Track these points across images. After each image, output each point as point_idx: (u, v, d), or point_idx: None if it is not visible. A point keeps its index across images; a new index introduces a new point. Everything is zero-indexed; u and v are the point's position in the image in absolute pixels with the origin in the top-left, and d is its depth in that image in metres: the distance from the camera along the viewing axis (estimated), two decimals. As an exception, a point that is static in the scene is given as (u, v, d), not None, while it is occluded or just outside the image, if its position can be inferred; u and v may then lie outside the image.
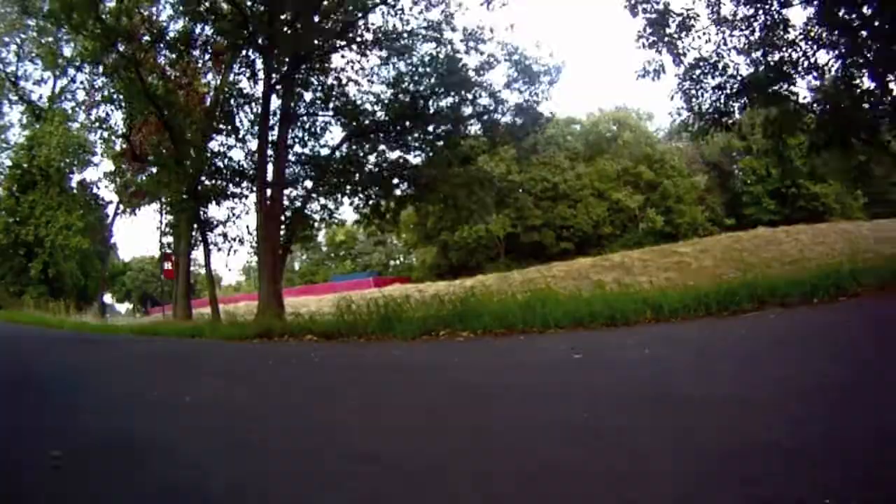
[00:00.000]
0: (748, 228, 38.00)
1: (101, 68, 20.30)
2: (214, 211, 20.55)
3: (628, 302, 8.49)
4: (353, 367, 7.59)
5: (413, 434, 3.88)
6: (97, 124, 25.98)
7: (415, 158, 20.33)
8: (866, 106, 16.44)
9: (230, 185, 20.42)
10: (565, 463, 2.97)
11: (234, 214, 20.84)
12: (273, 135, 18.52)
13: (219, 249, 20.99)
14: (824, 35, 16.13)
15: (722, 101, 17.03)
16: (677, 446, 3.05)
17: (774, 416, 3.37)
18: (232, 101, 20.53)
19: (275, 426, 4.48)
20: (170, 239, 25.88)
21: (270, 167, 18.45)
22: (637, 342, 6.60)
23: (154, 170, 22.50)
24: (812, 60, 16.40)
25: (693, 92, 17.20)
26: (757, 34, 16.35)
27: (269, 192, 17.98)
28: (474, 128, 19.84)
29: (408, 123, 18.94)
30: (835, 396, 3.66)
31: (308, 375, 7.21)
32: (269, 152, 18.54)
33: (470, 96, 18.68)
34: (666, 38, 16.65)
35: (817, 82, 16.98)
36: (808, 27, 16.16)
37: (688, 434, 3.21)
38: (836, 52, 16.24)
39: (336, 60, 19.95)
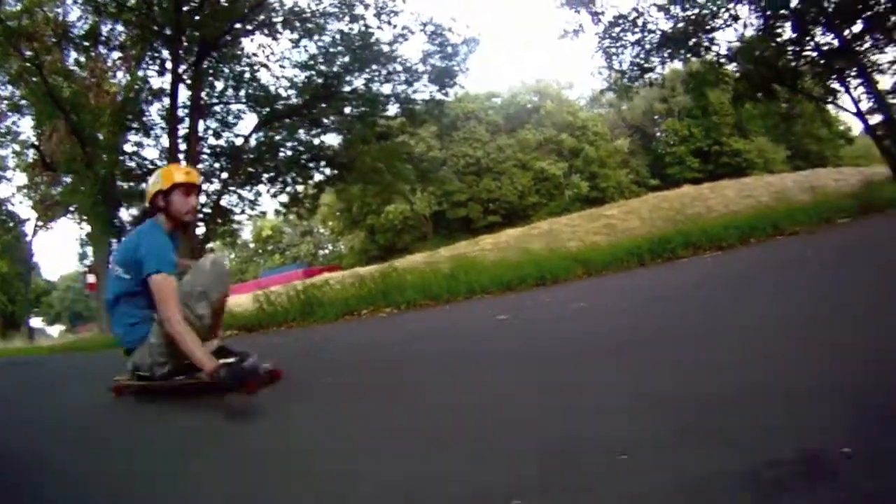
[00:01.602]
0: (673, 188, 38.36)
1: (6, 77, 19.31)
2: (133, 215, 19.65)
3: (558, 261, 8.20)
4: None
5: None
6: (7, 137, 24.71)
7: (333, 140, 19.96)
8: (789, 55, 16.71)
9: (142, 185, 19.47)
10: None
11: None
12: (185, 128, 17.70)
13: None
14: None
15: (642, 56, 17.15)
16: (602, 400, 2.49)
17: (710, 357, 2.86)
18: (141, 97, 19.55)
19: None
20: (90, 250, 24.71)
21: (184, 163, 17.55)
22: (568, 298, 6.20)
23: (68, 179, 21.41)
24: (732, 13, 16.58)
25: (613, 50, 17.33)
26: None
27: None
28: (392, 108, 19.44)
29: (323, 105, 18.42)
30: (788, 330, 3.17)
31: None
32: (183, 147, 17.61)
33: (384, 71, 18.27)
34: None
35: (737, 34, 17.20)
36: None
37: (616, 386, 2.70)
38: (757, 4, 16.41)
39: (247, 47, 19.25)
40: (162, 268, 3.67)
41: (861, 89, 16.27)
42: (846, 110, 17.41)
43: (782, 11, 16.19)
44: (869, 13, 15.38)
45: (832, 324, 3.03)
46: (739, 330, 3.30)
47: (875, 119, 16.50)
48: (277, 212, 21.35)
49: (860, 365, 2.25)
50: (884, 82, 16.67)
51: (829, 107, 19.39)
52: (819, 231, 7.79)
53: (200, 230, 18.07)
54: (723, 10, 16.54)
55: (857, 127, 25.44)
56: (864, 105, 16.45)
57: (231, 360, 3.76)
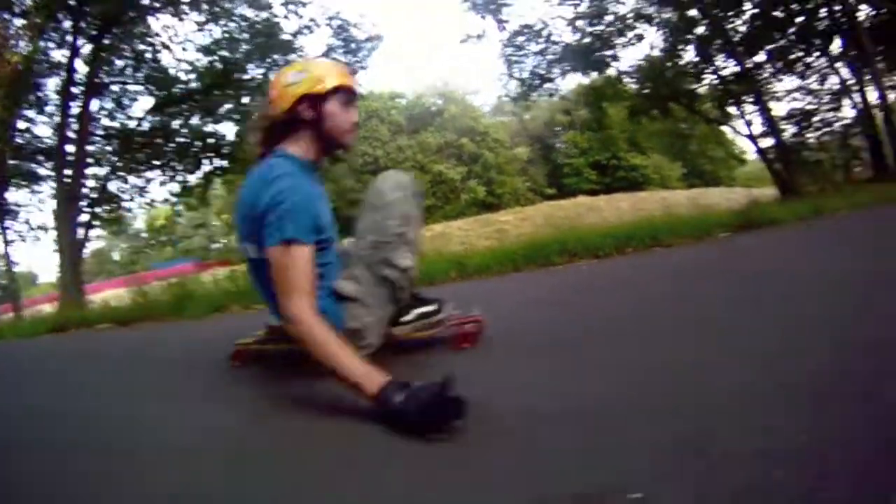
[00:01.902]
0: (569, 197, 39.04)
1: None
2: (22, 196, 18.66)
3: (434, 264, 8.13)
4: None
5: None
6: None
7: (228, 130, 19.47)
8: (690, 77, 17.38)
9: (32, 165, 18.78)
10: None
11: (38, 199, 19.42)
12: (78, 106, 17.10)
13: (24, 240, 19.53)
14: (653, 12, 16.89)
15: (544, 66, 17.46)
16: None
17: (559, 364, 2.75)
18: (38, 69, 18.36)
19: None
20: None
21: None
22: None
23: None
24: (638, 32, 17.17)
25: (515, 58, 17.64)
26: (585, 6, 16.91)
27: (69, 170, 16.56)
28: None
29: (218, 92, 18.00)
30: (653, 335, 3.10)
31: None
32: (76, 126, 17.03)
33: (283, 62, 17.87)
34: (493, 6, 17.01)
35: (644, 54, 17.80)
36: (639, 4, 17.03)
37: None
38: (665, 28, 17.01)
39: (152, 26, 18.51)
40: (299, 233, 2.23)
41: (756, 114, 17.09)
42: (740, 133, 18.25)
43: (687, 36, 16.79)
44: (773, 45, 16.18)
45: (697, 334, 2.94)
46: (592, 337, 3.22)
47: (767, 143, 17.31)
48: (166, 201, 20.58)
49: (718, 380, 2.12)
50: (778, 108, 17.52)
51: (726, 128, 20.31)
52: (697, 244, 7.98)
53: (84, 217, 17.21)
54: (628, 29, 17.04)
55: (751, 149, 26.94)
56: (757, 129, 17.29)
57: (427, 308, 2.93)
